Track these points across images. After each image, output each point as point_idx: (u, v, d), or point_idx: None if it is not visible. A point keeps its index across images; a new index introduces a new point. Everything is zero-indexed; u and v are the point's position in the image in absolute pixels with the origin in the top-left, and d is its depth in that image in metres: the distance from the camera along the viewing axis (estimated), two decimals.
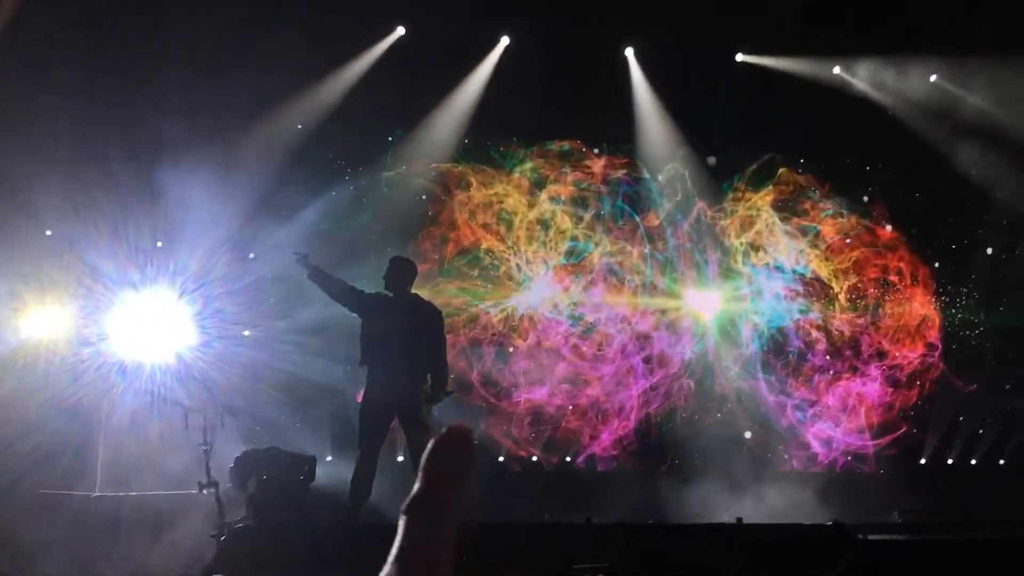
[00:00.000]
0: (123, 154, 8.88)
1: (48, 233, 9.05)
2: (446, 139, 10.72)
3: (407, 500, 0.65)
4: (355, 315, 6.96)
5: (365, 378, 6.81)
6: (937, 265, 11.64)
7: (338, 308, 7.14)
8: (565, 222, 10.85)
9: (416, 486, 0.69)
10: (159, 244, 9.07)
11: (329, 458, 8.68)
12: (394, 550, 0.61)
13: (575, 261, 10.84)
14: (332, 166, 10.59)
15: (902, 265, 11.55)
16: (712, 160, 11.06)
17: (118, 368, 7.89)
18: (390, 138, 10.79)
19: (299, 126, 10.21)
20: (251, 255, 9.62)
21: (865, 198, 11.44)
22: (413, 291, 7.13)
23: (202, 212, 9.02)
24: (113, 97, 9.36)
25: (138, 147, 9.10)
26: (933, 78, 11.29)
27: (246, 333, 9.35)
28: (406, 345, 6.68)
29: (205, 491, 6.10)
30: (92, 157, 8.99)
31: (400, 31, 10.47)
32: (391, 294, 6.93)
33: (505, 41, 10.78)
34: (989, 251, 11.83)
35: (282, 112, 10.02)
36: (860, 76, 11.22)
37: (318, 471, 6.88)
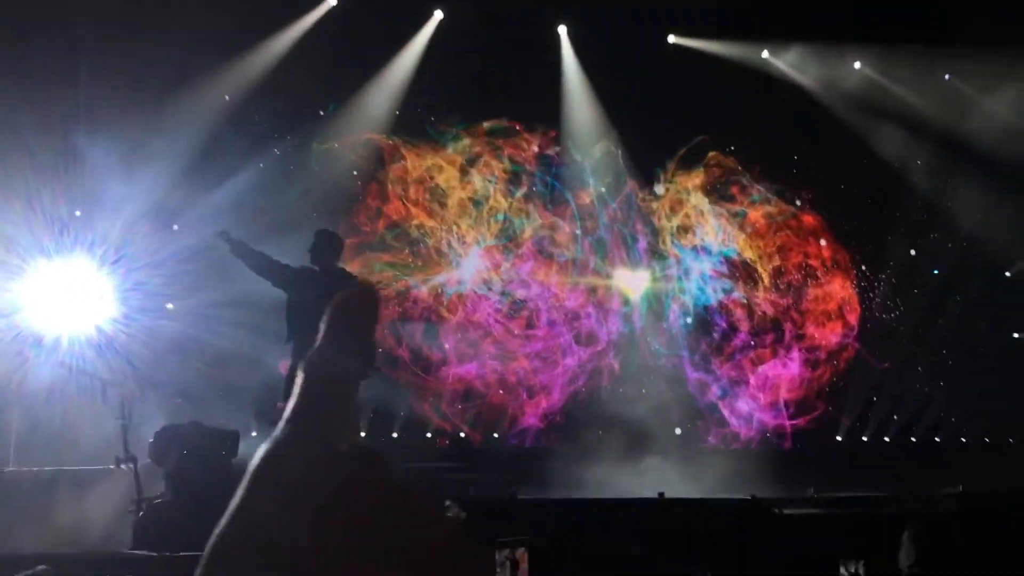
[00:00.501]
0: (36, 121, 8.55)
1: None
2: (379, 113, 10.61)
3: (308, 355, 0.63)
4: (280, 289, 6.85)
5: (290, 353, 6.73)
6: (857, 250, 12.00)
7: (263, 282, 7.01)
8: (498, 200, 10.85)
9: (318, 341, 0.68)
10: (77, 213, 8.79)
11: (254, 433, 8.55)
12: (289, 407, 0.59)
13: (506, 241, 10.86)
14: (260, 137, 10.38)
15: (823, 250, 11.86)
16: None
17: (33, 340, 7.64)
18: (321, 112, 10.63)
19: (226, 97, 9.96)
20: (175, 226, 9.38)
21: (787, 173, 11.72)
22: (340, 265, 7.06)
23: (123, 181, 8.77)
24: (27, 62, 8.99)
25: (52, 114, 8.77)
26: (857, 65, 11.56)
27: (169, 306, 9.14)
28: None
29: (123, 466, 5.96)
30: (3, 124, 8.65)
31: (331, 1, 10.27)
32: (317, 268, 6.84)
33: (439, 15, 10.66)
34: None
35: (209, 81, 9.77)
36: (787, 61, 11.42)
37: (242, 447, 6.78)
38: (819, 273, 11.94)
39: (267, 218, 9.58)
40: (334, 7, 10.29)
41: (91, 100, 8.71)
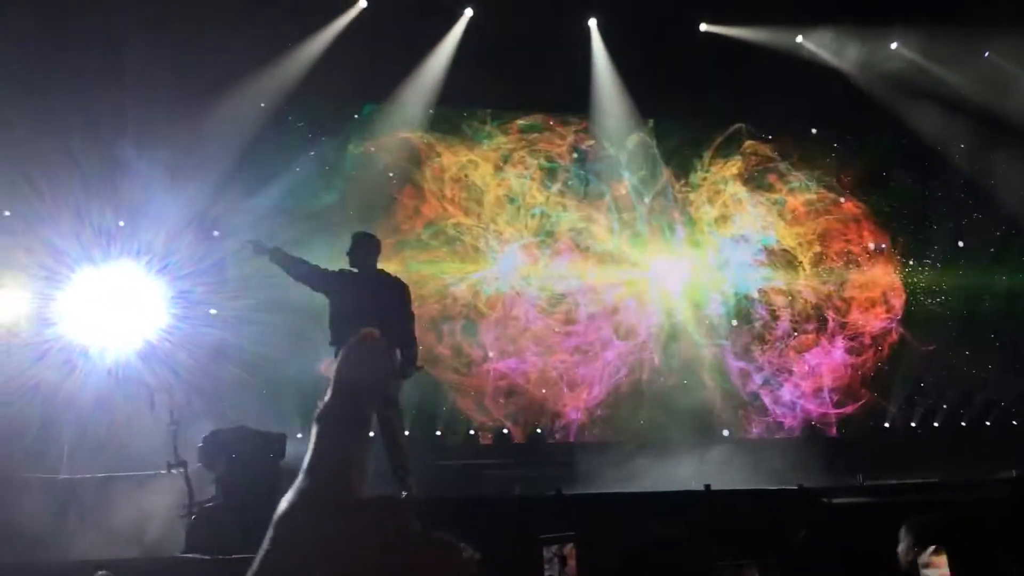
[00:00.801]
0: (83, 131, 8.71)
1: (6, 214, 8.88)
2: (413, 112, 10.64)
3: (318, 408, 0.65)
4: (321, 294, 6.91)
5: (335, 356, 6.77)
6: (899, 233, 11.85)
7: (304, 287, 7.07)
8: (534, 195, 10.86)
9: (327, 394, 0.69)
10: (121, 224, 8.93)
11: (299, 435, 8.64)
12: (306, 460, 0.60)
13: (544, 237, 10.86)
14: (298, 141, 10.47)
15: (865, 235, 11.72)
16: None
17: (79, 350, 7.78)
18: (356, 116, 10.69)
19: (262, 104, 10.05)
20: (215, 233, 9.49)
21: (826, 159, 11.59)
22: (379, 266, 7.10)
23: (166, 190, 8.89)
24: (71, 72, 9.15)
25: (99, 124, 8.93)
26: (894, 46, 11.38)
27: (213, 312, 9.25)
28: (374, 322, 6.62)
29: (173, 471, 6.05)
30: (50, 134, 8.80)
31: (362, 3, 10.31)
32: (356, 270, 6.89)
33: (469, 13, 10.67)
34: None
35: (246, 87, 9.85)
36: (821, 44, 11.27)
37: (289, 449, 6.86)
38: (861, 259, 11.80)
39: (308, 222, 9.70)
40: (364, 8, 10.33)
41: (136, 110, 8.84)
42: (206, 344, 8.96)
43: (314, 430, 0.62)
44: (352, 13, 10.30)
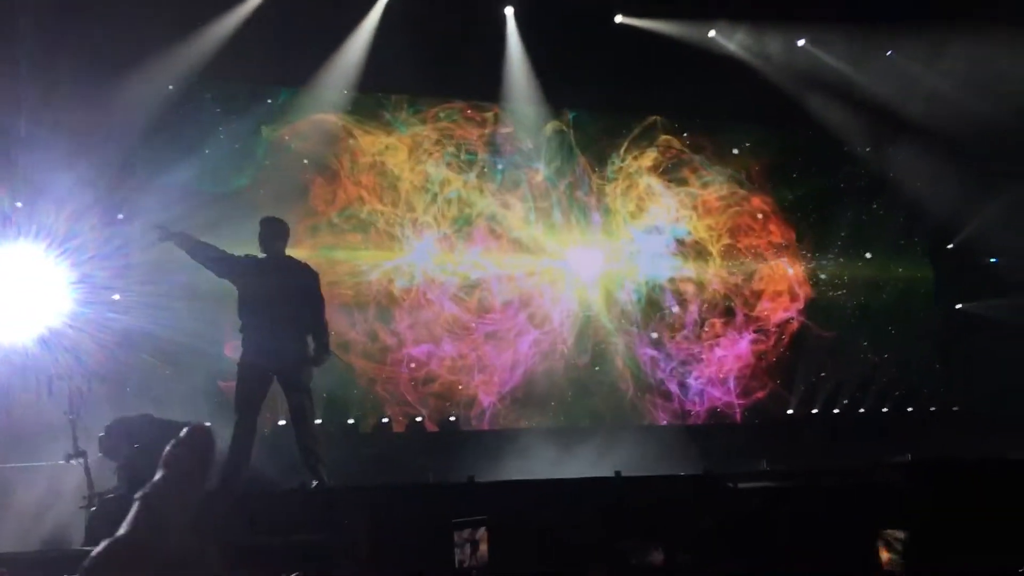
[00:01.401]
0: None
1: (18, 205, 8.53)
2: (329, 97, 10.46)
3: (144, 488, 0.66)
4: (228, 281, 6.78)
5: (241, 343, 6.67)
6: (804, 226, 12.25)
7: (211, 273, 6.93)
8: (450, 182, 10.85)
9: (156, 476, 0.71)
10: (18, 204, 8.58)
11: (207, 424, 8.46)
12: (122, 529, 0.61)
13: (459, 224, 10.85)
14: (208, 122, 10.18)
15: (772, 228, 12.07)
16: None
17: None
18: (269, 100, 10.45)
19: (170, 87, 9.74)
20: (119, 216, 9.21)
21: (736, 152, 11.87)
22: (290, 251, 7.02)
23: (67, 169, 8.58)
24: None
25: None
26: (801, 42, 11.72)
27: (116, 297, 8.98)
28: (284, 308, 6.60)
29: (73, 461, 5.88)
30: None
31: None
32: (265, 256, 6.79)
33: None
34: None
35: (154, 65, 9.52)
36: (733, 39, 11.51)
37: None
38: (768, 252, 12.16)
39: (218, 205, 9.47)
40: None
41: (36, 85, 8.48)
42: (111, 330, 8.71)
43: (134, 507, 0.62)
44: None
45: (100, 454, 6.05)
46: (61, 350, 7.82)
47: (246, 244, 6.99)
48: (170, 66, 9.59)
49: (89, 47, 8.83)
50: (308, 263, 7.13)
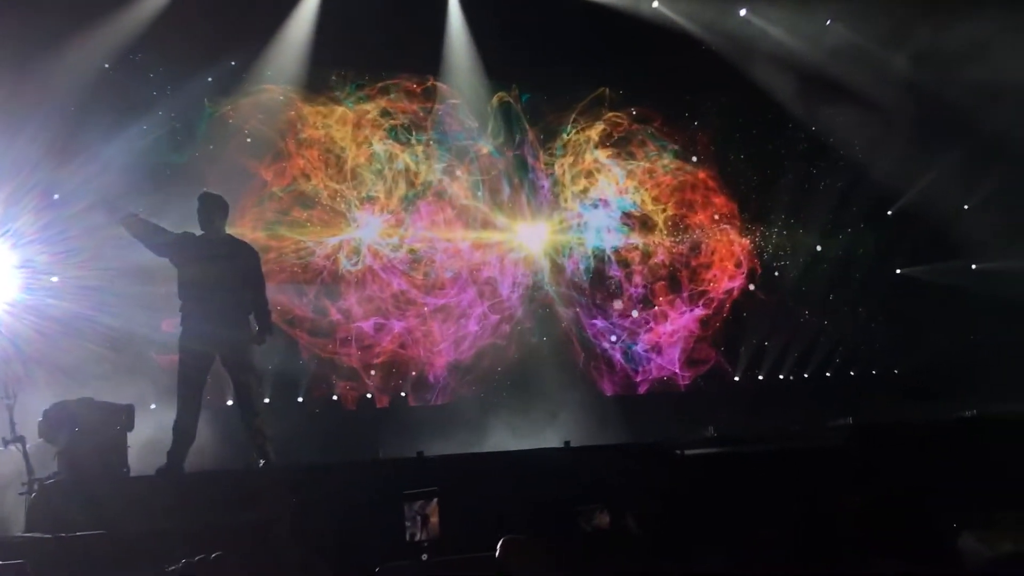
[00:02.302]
0: None
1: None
2: (272, 72, 10.26)
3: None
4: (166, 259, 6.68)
5: (181, 323, 6.58)
6: (749, 195, 12.39)
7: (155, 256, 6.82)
8: (396, 157, 10.76)
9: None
10: None
11: (153, 406, 8.34)
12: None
13: (407, 199, 10.77)
14: (147, 99, 9.92)
15: (716, 199, 12.20)
16: None
17: None
18: (210, 78, 10.19)
19: (106, 66, 9.47)
20: (55, 196, 8.97)
21: (680, 123, 11.96)
22: (233, 229, 6.94)
23: (3, 150, 8.36)
24: None
25: None
26: (743, 12, 11.79)
27: (54, 279, 8.78)
28: (225, 288, 6.52)
29: (10, 447, 5.76)
30: None
31: None
32: (204, 233, 6.68)
33: None
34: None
35: (89, 39, 9.24)
36: (676, 10, 11.54)
37: (143, 421, 6.63)
38: (712, 222, 12.28)
39: (159, 183, 9.30)
40: None
41: None
42: (50, 315, 8.53)
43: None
44: None
45: (39, 439, 5.93)
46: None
47: (188, 222, 6.87)
48: (106, 42, 9.33)
49: (19, 26, 8.55)
50: (248, 242, 7.03)
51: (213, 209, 6.71)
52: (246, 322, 6.73)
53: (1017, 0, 10.34)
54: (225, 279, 6.56)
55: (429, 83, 11.03)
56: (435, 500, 5.54)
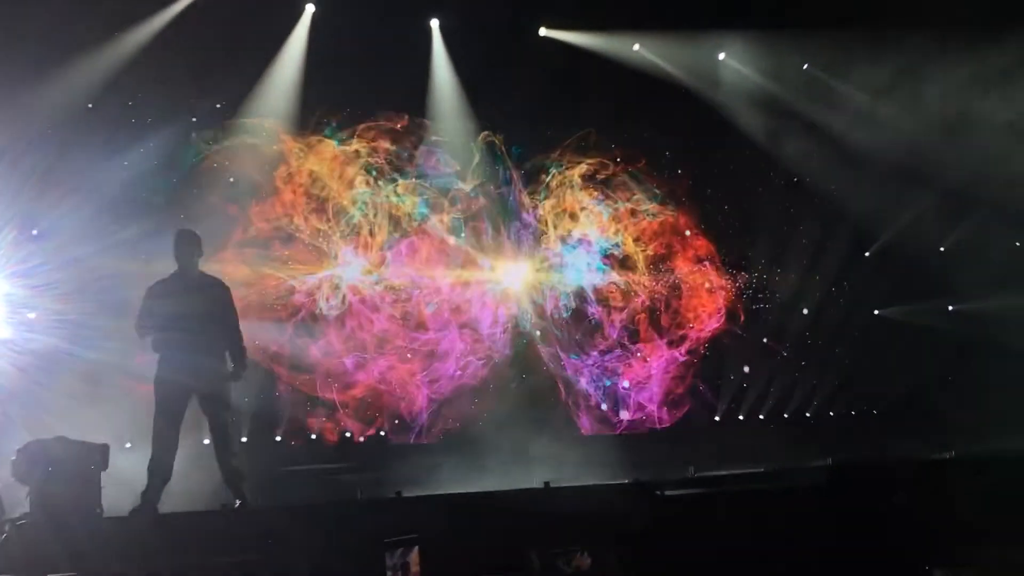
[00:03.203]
0: None
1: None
2: (255, 111, 10.29)
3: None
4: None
5: (158, 361, 6.56)
6: (730, 238, 12.50)
7: (137, 290, 6.83)
8: (379, 196, 10.79)
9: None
10: None
11: (128, 445, 8.25)
12: None
13: (390, 236, 10.78)
14: (129, 137, 9.90)
15: (697, 241, 12.30)
16: None
17: None
18: (194, 118, 10.19)
19: (89, 105, 9.48)
20: (34, 231, 8.93)
21: (662, 164, 12.06)
22: (214, 266, 6.96)
23: None
24: None
25: None
26: (721, 56, 11.96)
27: (31, 315, 8.71)
28: (199, 324, 6.52)
29: None
30: None
31: None
32: (176, 270, 6.70)
33: (311, 9, 10.44)
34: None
35: (72, 76, 9.25)
36: (657, 54, 11.70)
37: (118, 459, 6.56)
38: (693, 263, 12.36)
39: (138, 220, 9.29)
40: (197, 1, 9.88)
41: None
42: (29, 349, 8.47)
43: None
44: (183, 2, 9.81)
45: (12, 478, 5.84)
46: None
47: (164, 261, 6.89)
48: (88, 78, 9.34)
49: (5, 56, 8.56)
50: (219, 277, 7.03)
51: (188, 244, 6.75)
52: (223, 357, 6.72)
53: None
54: (198, 316, 6.58)
55: (412, 122, 11.10)
56: (415, 548, 5.49)
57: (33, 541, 5.28)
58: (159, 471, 6.36)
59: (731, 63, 12.00)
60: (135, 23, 9.54)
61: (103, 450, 6.17)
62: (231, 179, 10.17)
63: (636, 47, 11.71)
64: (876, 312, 13.39)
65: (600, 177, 11.97)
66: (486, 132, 11.40)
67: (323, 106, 10.69)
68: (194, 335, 6.53)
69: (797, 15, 10.79)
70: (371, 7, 10.24)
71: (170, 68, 9.55)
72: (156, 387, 6.56)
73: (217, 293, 6.81)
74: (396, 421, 10.52)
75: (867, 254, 13.36)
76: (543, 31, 11.34)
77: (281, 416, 10.01)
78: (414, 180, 11.02)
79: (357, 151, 10.78)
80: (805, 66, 12.09)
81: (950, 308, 12.97)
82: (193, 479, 7.23)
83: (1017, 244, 12.51)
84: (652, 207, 12.12)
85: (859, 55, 11.36)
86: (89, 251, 8.95)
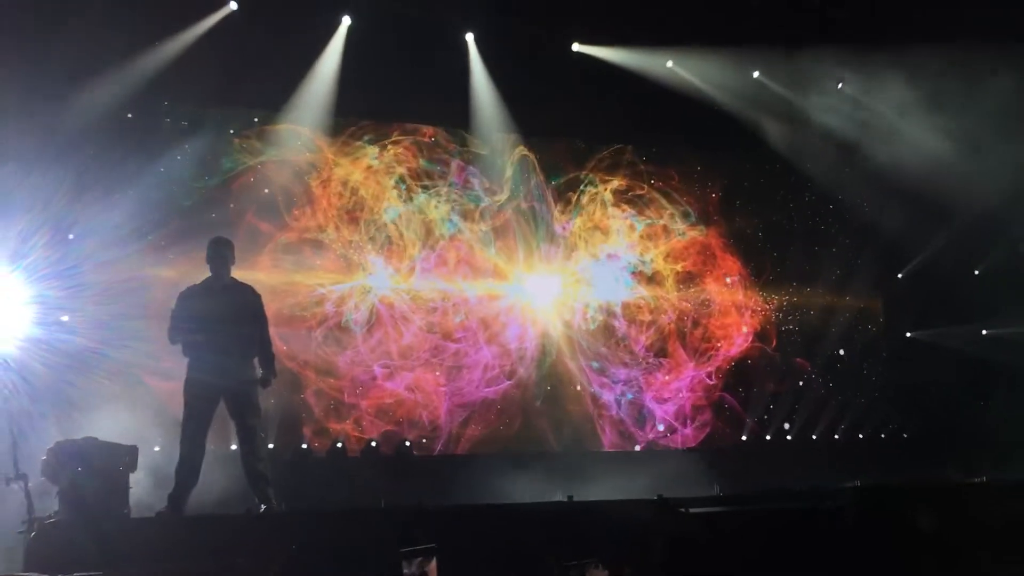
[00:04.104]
0: None
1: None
2: (291, 121, 10.40)
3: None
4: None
5: (188, 365, 6.64)
6: (756, 256, 12.45)
7: (167, 293, 6.96)
8: (413, 207, 10.87)
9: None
10: None
11: (157, 448, 8.34)
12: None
13: (421, 249, 10.83)
14: (163, 146, 10.03)
15: (727, 257, 12.25)
16: None
17: None
18: (231, 131, 10.33)
19: (129, 115, 9.63)
20: (71, 236, 9.07)
21: (694, 180, 12.03)
22: (248, 274, 7.06)
23: (18, 186, 8.47)
24: None
25: None
26: (756, 74, 11.93)
27: (64, 318, 8.84)
28: (229, 329, 6.60)
29: (12, 485, 5.76)
30: None
31: (232, 6, 9.99)
32: (210, 275, 6.79)
33: (348, 21, 10.55)
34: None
35: (107, 82, 9.40)
36: (690, 69, 11.68)
37: (147, 461, 6.65)
38: (722, 281, 12.31)
39: (171, 227, 9.42)
40: (234, 11, 10.01)
41: None
42: (62, 350, 8.58)
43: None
44: (220, 14, 9.94)
45: (42, 477, 5.93)
46: (8, 370, 7.70)
47: (195, 266, 7.00)
48: (123, 83, 9.47)
49: (42, 61, 8.72)
50: (250, 284, 7.11)
51: (223, 251, 6.84)
52: (251, 364, 6.79)
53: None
54: (229, 319, 6.66)
55: (445, 134, 11.18)
56: (434, 559, 5.49)
57: (62, 540, 5.34)
58: (187, 473, 6.43)
59: (765, 80, 11.95)
60: (173, 32, 9.67)
61: (132, 452, 6.25)
62: (265, 188, 10.29)
63: (669, 64, 11.70)
64: (908, 335, 13.24)
65: (632, 193, 11.99)
66: (520, 147, 11.45)
67: (358, 117, 10.81)
68: (224, 340, 6.60)
69: (834, 32, 10.81)
70: (407, 21, 10.31)
71: (206, 77, 9.66)
72: (186, 390, 6.63)
73: (248, 299, 6.89)
74: (420, 431, 10.54)
75: (900, 275, 13.23)
76: (576, 46, 11.36)
77: (307, 423, 10.07)
78: (446, 192, 11.09)
79: (390, 162, 10.87)
80: (839, 84, 12.01)
81: (983, 332, 12.79)
82: (220, 484, 7.30)
83: None
84: (683, 226, 12.12)
85: (887, 74, 11.30)
86: (120, 255, 9.09)
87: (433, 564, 5.49)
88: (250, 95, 10.17)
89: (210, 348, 6.58)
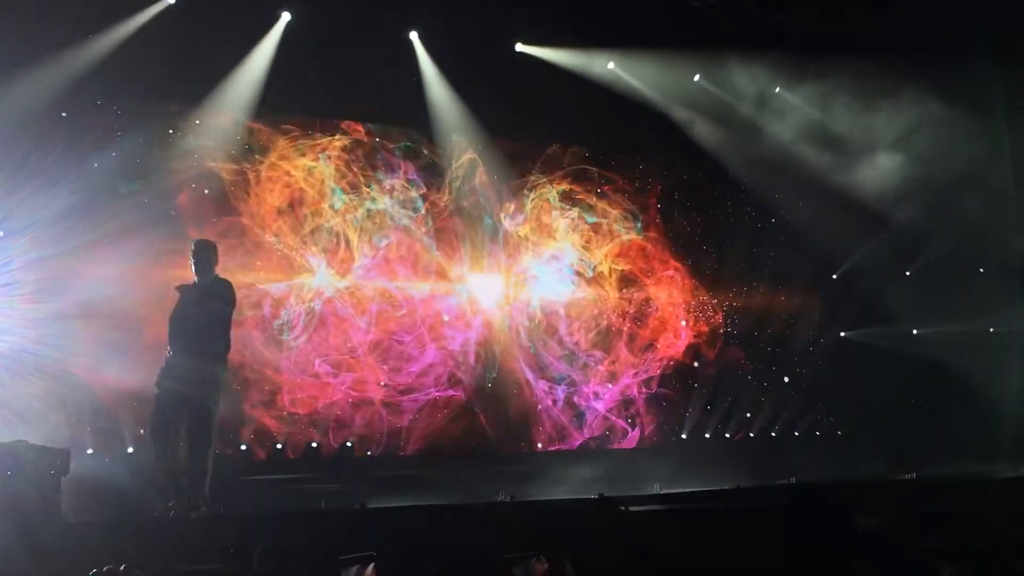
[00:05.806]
0: None
1: None
2: (230, 117, 10.22)
3: None
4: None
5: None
6: (695, 257, 12.61)
7: (106, 290, 6.87)
8: (353, 205, 10.78)
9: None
10: None
11: (89, 450, 8.17)
12: None
13: (365, 246, 10.76)
14: (97, 141, 9.78)
15: (668, 260, 12.41)
16: None
17: None
18: (170, 130, 10.10)
19: (64, 114, 9.37)
20: (0, 233, 8.83)
21: (635, 183, 12.15)
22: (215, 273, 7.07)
23: None
24: None
25: None
26: (696, 78, 12.10)
27: None
28: (200, 330, 6.74)
29: None
30: None
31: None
32: (196, 277, 6.94)
33: (287, 17, 10.42)
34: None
35: (40, 76, 9.14)
36: (631, 72, 11.81)
37: (74, 465, 6.49)
38: (663, 282, 12.46)
39: (105, 224, 9.21)
40: (171, 5, 9.80)
41: None
42: None
43: None
44: (158, 7, 9.74)
45: None
46: None
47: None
48: (59, 83, 9.22)
49: None
50: (227, 279, 7.17)
51: (201, 253, 6.95)
52: (214, 365, 6.81)
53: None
54: (201, 319, 6.72)
55: (391, 132, 11.12)
56: (371, 565, 5.47)
57: None
58: (171, 473, 6.54)
59: (706, 85, 12.14)
60: (108, 25, 9.44)
61: (64, 455, 6.10)
62: (203, 187, 10.09)
63: (610, 65, 11.81)
64: (843, 334, 13.54)
65: (576, 195, 12.06)
66: (465, 146, 11.41)
67: (300, 113, 10.69)
68: (193, 340, 6.72)
69: (775, 37, 11.03)
70: (347, 18, 10.23)
71: (143, 72, 9.46)
72: (156, 394, 6.73)
73: (221, 293, 6.91)
74: (363, 432, 10.46)
75: (835, 276, 13.51)
76: (519, 47, 11.40)
77: (246, 425, 9.92)
78: (389, 190, 11.02)
79: (333, 160, 10.77)
80: (777, 89, 12.23)
81: (914, 332, 13.15)
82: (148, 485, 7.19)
83: (980, 270, 12.71)
84: (625, 226, 12.23)
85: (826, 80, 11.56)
86: (55, 252, 8.88)
87: (370, 570, 5.47)
88: (188, 90, 9.97)
89: (178, 352, 6.74)
